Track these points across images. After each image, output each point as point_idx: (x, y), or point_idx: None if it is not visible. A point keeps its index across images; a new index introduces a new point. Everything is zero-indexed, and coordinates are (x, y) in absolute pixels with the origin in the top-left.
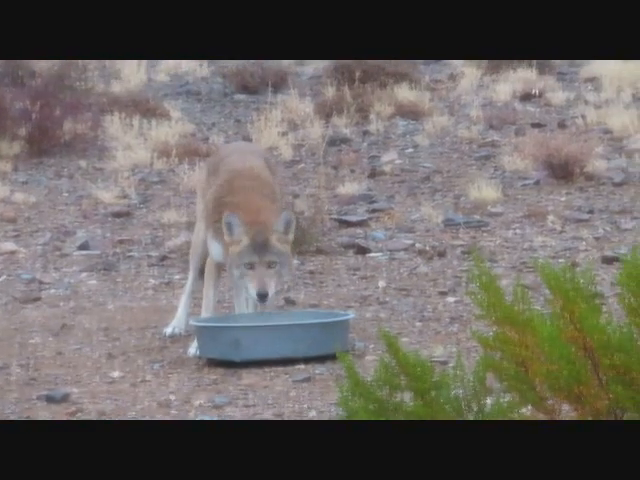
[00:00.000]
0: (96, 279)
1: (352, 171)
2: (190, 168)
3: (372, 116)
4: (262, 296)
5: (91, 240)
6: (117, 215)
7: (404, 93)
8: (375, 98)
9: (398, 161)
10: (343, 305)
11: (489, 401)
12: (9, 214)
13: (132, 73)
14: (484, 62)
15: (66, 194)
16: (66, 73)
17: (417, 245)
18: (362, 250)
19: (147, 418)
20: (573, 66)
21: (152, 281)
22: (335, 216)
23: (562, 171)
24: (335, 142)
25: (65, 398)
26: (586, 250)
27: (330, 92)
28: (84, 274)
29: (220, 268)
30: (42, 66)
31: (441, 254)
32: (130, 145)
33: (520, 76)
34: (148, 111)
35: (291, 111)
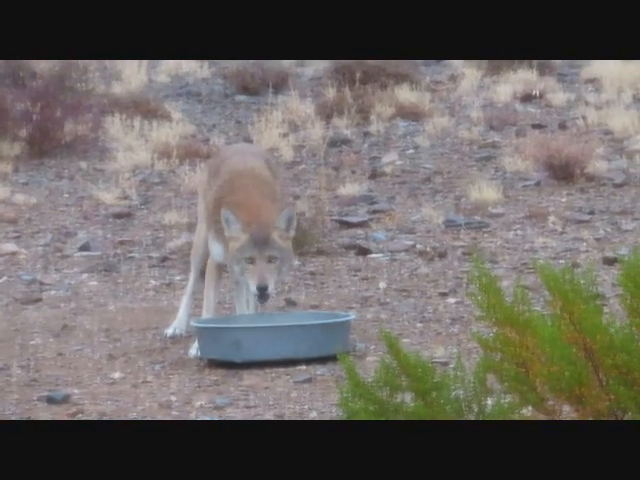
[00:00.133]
0: (97, 280)
1: (353, 172)
2: (191, 169)
3: (373, 117)
4: (262, 289)
5: (92, 241)
6: (118, 216)
7: (405, 94)
8: (376, 99)
9: (399, 162)
10: (344, 306)
11: (490, 402)
12: (10, 215)
13: (133, 74)
14: (484, 63)
15: (67, 195)
16: (67, 74)
17: (418, 246)
18: (363, 251)
19: (148, 419)
20: (574, 67)
21: (153, 282)
22: (336, 217)
23: (563, 172)
24: (336, 143)
25: (66, 399)
26: (587, 251)
27: (331, 93)
28: (85, 275)
29: (221, 269)
30: (43, 67)
31: (442, 255)
32: (131, 146)
33: (521, 77)
34: (149, 112)
35: (292, 112)
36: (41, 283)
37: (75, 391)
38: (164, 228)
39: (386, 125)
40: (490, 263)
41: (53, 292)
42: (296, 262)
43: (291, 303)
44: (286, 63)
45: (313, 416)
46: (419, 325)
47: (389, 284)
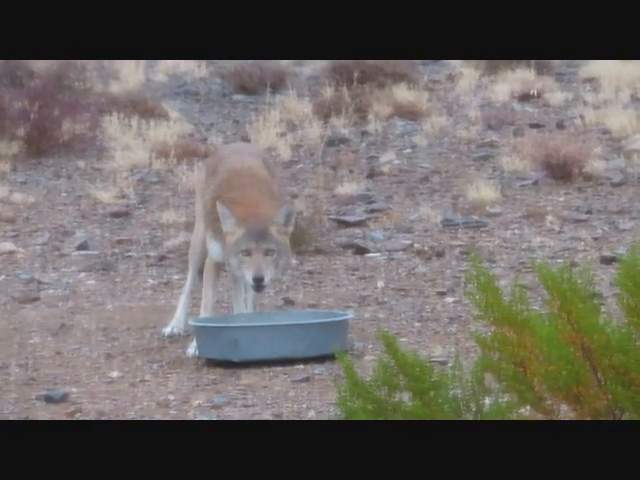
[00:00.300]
0: (95, 279)
1: (351, 171)
2: (189, 168)
3: (370, 116)
4: (258, 280)
5: (90, 240)
6: (116, 215)
7: (402, 93)
8: (373, 98)
9: (396, 161)
10: (342, 305)
11: (488, 401)
12: (8, 214)
13: (130, 73)
14: (482, 62)
15: (65, 194)
16: (65, 73)
17: (416, 245)
18: (361, 250)
19: (146, 418)
20: (571, 67)
21: (151, 281)
22: (334, 216)
23: (561, 171)
24: (333, 142)
25: (64, 398)
26: (585, 250)
27: (328, 92)
28: (83, 274)
29: (219, 268)
30: (41, 66)
31: (440, 254)
32: (129, 145)
33: (518, 76)
34: (147, 111)
35: (289, 111)
36: (39, 282)
37: (73, 390)
38: (162, 227)
39: (384, 124)
40: (488, 262)
41: (51, 291)
42: (294, 261)
43: (289, 302)
44: (284, 63)
45: (311, 415)
46: (417, 324)
47: (387, 283)
